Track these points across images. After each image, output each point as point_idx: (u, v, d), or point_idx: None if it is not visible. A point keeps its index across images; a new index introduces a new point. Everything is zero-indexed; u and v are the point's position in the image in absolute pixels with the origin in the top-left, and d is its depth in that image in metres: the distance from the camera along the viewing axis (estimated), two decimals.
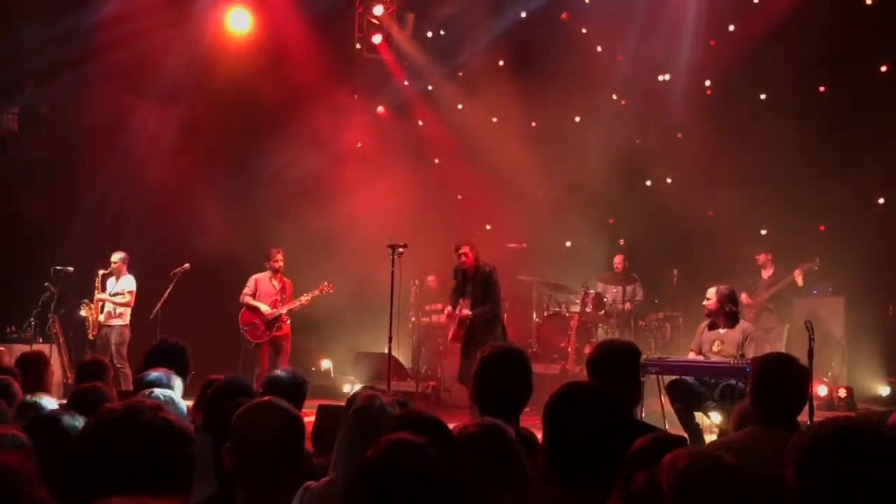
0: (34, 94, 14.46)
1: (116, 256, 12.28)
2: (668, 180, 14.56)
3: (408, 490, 2.20)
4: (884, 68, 13.14)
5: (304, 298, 11.89)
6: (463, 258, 10.28)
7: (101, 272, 12.29)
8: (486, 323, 10.13)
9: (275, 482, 2.96)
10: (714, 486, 2.37)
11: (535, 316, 14.36)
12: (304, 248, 12.89)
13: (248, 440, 3.00)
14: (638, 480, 2.59)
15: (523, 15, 15.31)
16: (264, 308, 11.75)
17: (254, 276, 12.00)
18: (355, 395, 4.40)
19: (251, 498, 2.96)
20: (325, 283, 12.01)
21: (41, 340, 12.35)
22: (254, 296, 11.86)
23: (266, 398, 3.32)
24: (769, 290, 12.74)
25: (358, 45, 15.55)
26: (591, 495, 2.64)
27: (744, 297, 12.39)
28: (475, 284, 10.24)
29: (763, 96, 14.01)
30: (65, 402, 5.66)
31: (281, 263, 11.91)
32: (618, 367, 4.31)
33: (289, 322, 11.96)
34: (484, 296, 10.16)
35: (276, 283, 11.91)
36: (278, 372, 5.51)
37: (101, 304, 12.24)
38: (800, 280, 12.59)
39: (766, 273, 12.90)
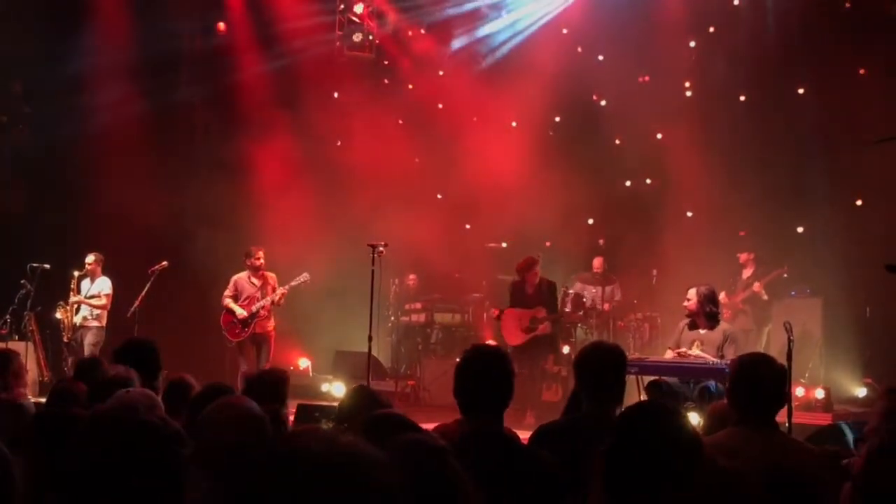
0: (18, 92, 14.32)
1: (90, 258, 12.19)
2: (648, 181, 14.61)
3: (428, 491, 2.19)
4: (862, 71, 13.22)
5: (281, 291, 11.82)
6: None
7: (76, 273, 12.20)
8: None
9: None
10: (710, 487, 2.38)
11: None
12: (283, 245, 12.84)
13: (208, 441, 3.00)
14: None
15: (504, 14, 15.35)
16: (238, 311, 11.66)
17: (234, 277, 11.90)
18: (347, 398, 4.40)
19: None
20: (303, 275, 11.95)
21: (17, 338, 12.24)
22: (235, 297, 11.78)
23: (229, 399, 3.27)
24: (745, 292, 12.82)
25: (338, 43, 15.51)
26: None
27: (722, 297, 12.45)
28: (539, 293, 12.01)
29: (742, 98, 14.06)
30: (41, 400, 5.63)
31: (262, 261, 11.83)
32: (605, 369, 4.33)
33: (272, 319, 11.86)
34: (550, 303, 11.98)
35: (255, 280, 11.83)
36: (258, 371, 5.50)
37: (76, 306, 12.15)
38: (762, 293, 12.70)
39: (746, 273, 12.97)
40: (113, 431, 2.21)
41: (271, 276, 11.90)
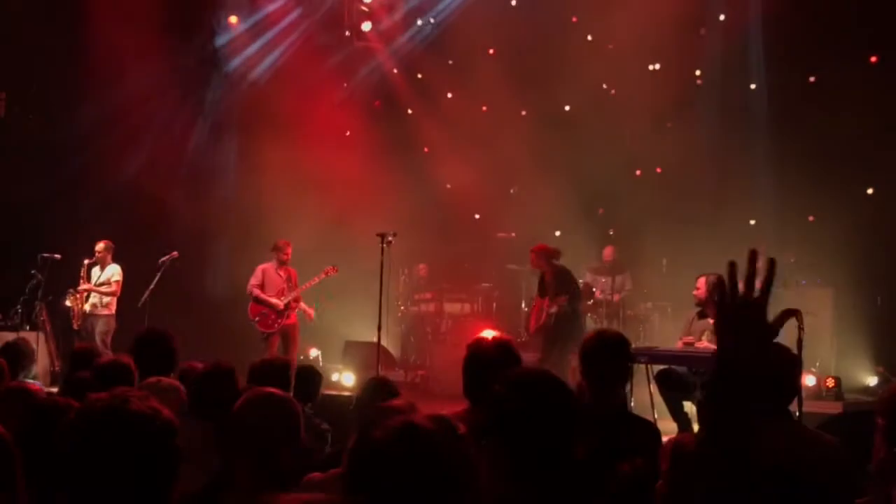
0: (23, 80, 14.33)
1: (100, 245, 12.21)
2: (658, 170, 14.55)
3: (414, 473, 2.18)
4: (874, 59, 13.15)
5: (313, 280, 11.86)
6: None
7: (86, 261, 12.21)
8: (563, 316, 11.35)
9: (276, 469, 2.99)
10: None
11: (523, 305, 14.34)
12: (293, 236, 12.84)
13: (248, 429, 3.13)
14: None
15: (514, 3, 15.28)
16: (274, 302, 11.68)
17: (260, 267, 11.93)
18: (364, 390, 4.44)
19: (254, 485, 3.00)
20: (330, 267, 11.98)
21: (28, 328, 12.27)
22: (262, 286, 11.79)
23: (265, 389, 3.34)
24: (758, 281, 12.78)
25: (347, 33, 15.49)
26: (538, 491, 2.59)
27: (739, 285, 12.42)
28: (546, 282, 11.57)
29: (753, 86, 14.00)
30: (53, 389, 5.64)
31: (289, 256, 11.89)
32: (608, 357, 4.33)
33: (297, 311, 11.91)
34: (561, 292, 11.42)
35: (281, 273, 11.88)
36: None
37: (85, 293, 12.16)
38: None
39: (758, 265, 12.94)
40: (98, 422, 2.20)
41: (293, 270, 11.95)
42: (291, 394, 5.20)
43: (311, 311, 12.05)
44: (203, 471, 3.34)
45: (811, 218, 13.26)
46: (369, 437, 2.24)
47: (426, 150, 15.77)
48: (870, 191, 13.12)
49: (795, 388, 4.04)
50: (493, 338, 4.30)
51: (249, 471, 3.07)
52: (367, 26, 15.40)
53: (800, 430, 3.91)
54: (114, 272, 12.18)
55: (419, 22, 15.81)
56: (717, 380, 2.02)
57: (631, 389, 7.45)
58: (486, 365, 3.94)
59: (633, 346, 8.95)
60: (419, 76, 16.01)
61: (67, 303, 12.27)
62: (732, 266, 2.01)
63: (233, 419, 3.21)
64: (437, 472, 2.20)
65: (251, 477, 3.05)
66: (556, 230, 14.73)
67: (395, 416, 3.09)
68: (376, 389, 4.65)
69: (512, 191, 14.92)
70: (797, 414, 6.83)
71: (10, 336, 10.59)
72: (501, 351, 4.05)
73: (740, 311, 2.04)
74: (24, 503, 2.60)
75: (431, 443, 2.23)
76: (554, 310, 11.39)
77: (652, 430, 4.41)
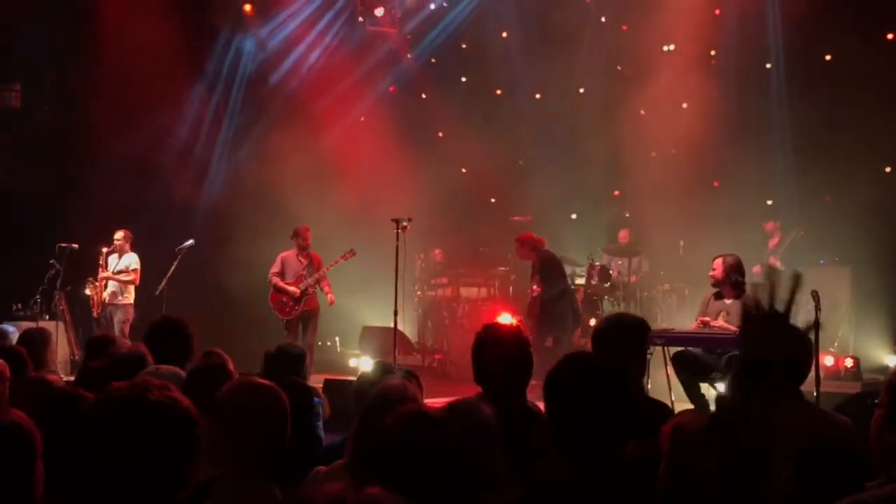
0: (37, 71, 14.36)
1: (119, 234, 12.26)
2: (674, 151, 14.50)
3: (421, 462, 2.20)
4: (890, 36, 13.06)
5: (331, 264, 11.93)
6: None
7: (104, 250, 12.27)
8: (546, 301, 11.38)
9: (269, 458, 2.93)
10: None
11: None
12: (309, 223, 12.88)
13: (234, 420, 2.97)
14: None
15: None
16: (291, 289, 11.74)
17: (281, 255, 11.97)
18: (364, 373, 4.43)
19: (238, 481, 2.94)
20: (349, 250, 12.02)
21: (47, 318, 12.34)
22: (281, 274, 11.84)
23: (249, 379, 3.24)
24: (773, 260, 12.76)
25: (361, 18, 15.47)
26: (594, 475, 2.60)
27: (756, 269, 12.41)
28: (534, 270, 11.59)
29: (768, 65, 13.93)
30: (72, 378, 5.68)
31: (310, 241, 11.94)
32: (625, 341, 4.26)
33: (317, 297, 11.95)
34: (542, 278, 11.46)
35: (302, 259, 11.92)
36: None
37: (105, 282, 12.23)
38: (777, 264, 12.62)
39: (773, 242, 12.90)
40: (118, 411, 2.22)
41: (315, 254, 11.99)
42: (307, 380, 5.23)
43: (332, 297, 12.00)
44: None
45: (828, 197, 13.20)
46: (376, 425, 2.25)
47: (441, 134, 15.76)
48: (887, 169, 13.05)
49: (806, 371, 4.02)
50: (502, 325, 4.26)
51: (240, 460, 2.95)
52: (379, 11, 15.36)
53: (811, 411, 3.90)
54: (131, 260, 12.24)
55: (432, 6, 15.74)
56: (739, 378, 2.04)
57: (647, 372, 7.46)
58: (494, 352, 3.93)
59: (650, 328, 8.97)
60: (433, 60, 15.99)
61: (87, 291, 12.34)
62: (773, 286, 2.03)
63: (217, 409, 3.08)
64: (444, 460, 2.21)
65: (242, 466, 2.94)
66: (572, 213, 14.73)
67: (390, 391, 3.07)
68: (378, 376, 4.62)
69: (521, 162, 14.90)
70: (815, 394, 6.83)
71: (30, 326, 10.67)
72: (511, 338, 4.03)
73: (766, 324, 2.04)
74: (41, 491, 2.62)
75: (439, 431, 2.24)
76: (535, 294, 11.42)
77: (665, 412, 4.39)
